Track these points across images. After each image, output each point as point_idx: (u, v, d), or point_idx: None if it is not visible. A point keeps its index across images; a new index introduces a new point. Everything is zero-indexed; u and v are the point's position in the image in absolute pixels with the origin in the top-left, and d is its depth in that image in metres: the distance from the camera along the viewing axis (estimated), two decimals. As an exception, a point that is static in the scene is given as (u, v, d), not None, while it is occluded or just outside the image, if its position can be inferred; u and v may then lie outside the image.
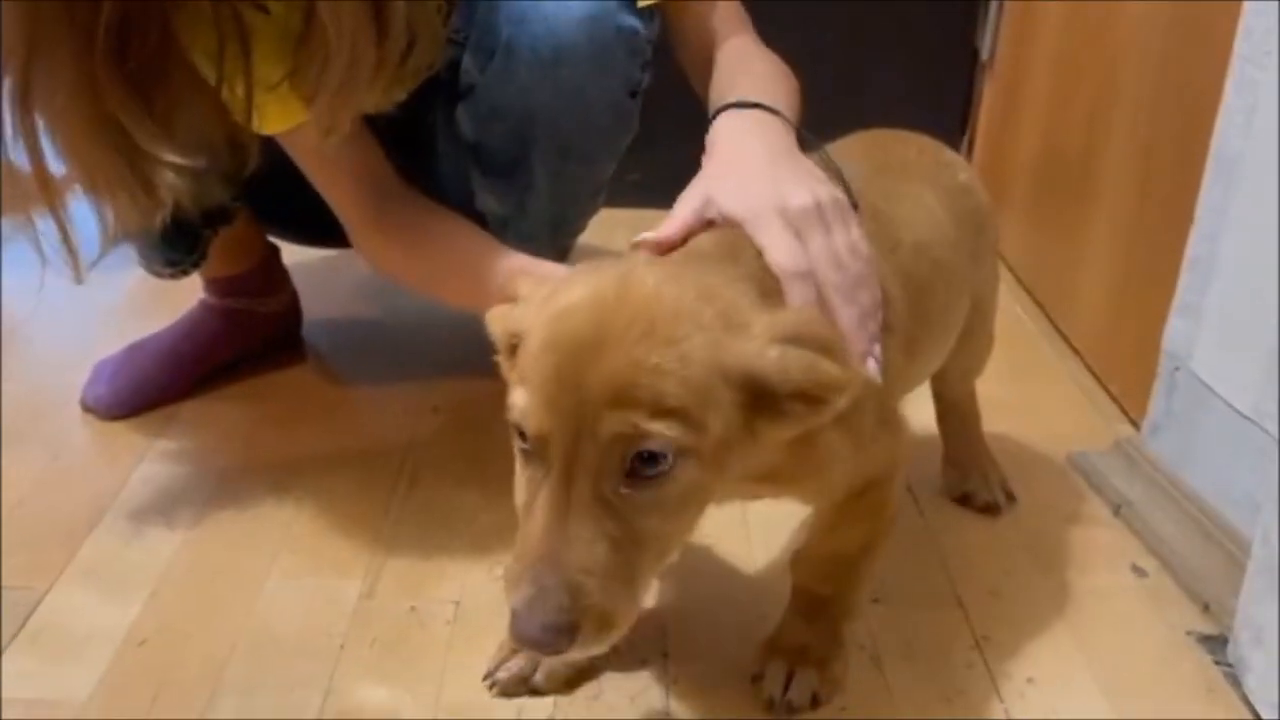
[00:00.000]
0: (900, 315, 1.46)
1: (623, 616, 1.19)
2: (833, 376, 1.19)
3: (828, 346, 1.20)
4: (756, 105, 1.58)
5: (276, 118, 1.75)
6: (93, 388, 2.23)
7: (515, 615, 1.15)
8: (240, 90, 1.68)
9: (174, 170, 1.65)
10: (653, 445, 1.14)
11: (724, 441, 1.19)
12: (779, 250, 1.36)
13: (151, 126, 1.62)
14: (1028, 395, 2.40)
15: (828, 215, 1.40)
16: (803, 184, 1.43)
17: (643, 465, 1.15)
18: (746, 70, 1.79)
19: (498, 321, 1.30)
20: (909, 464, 1.54)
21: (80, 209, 1.70)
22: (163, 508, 1.93)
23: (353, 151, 1.83)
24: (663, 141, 1.99)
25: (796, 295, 1.34)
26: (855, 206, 1.49)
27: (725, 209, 1.40)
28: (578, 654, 1.21)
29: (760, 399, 1.19)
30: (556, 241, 2.08)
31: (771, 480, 1.39)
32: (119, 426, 2.19)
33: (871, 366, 1.35)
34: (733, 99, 1.61)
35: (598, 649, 1.19)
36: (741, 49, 1.86)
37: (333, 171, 1.86)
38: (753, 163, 1.49)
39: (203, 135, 1.70)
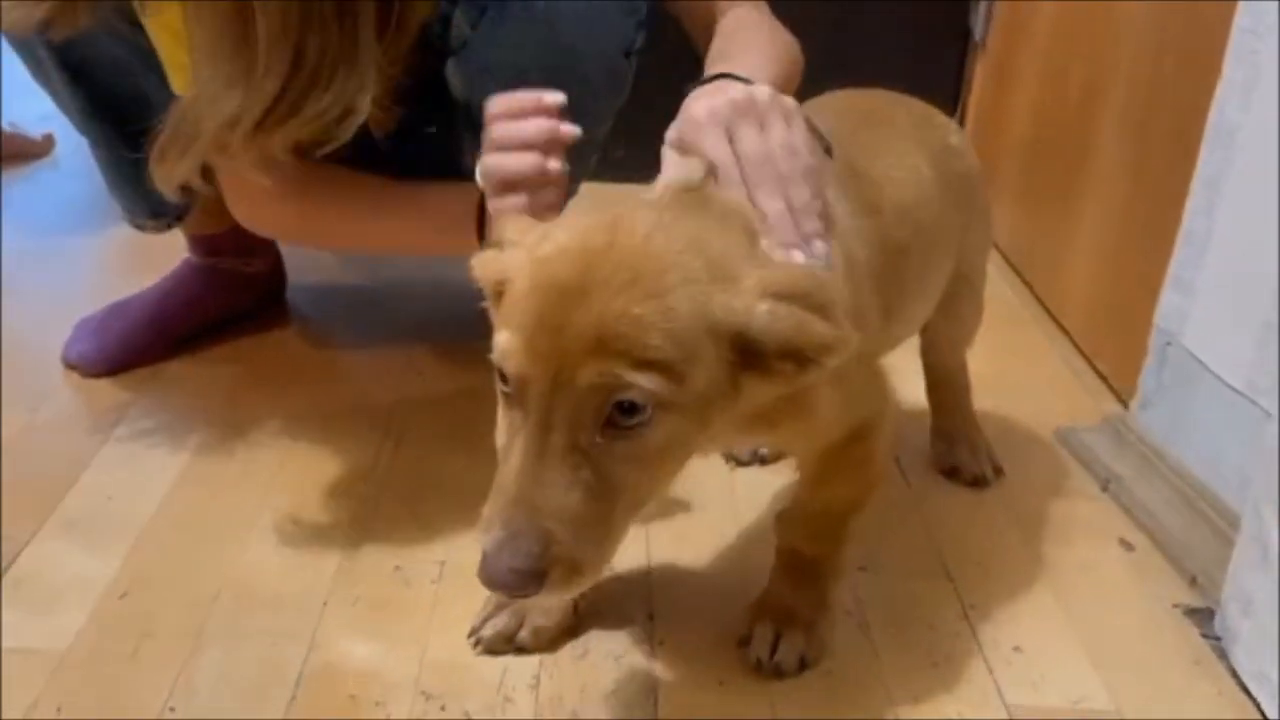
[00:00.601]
0: (877, 279, 1.45)
1: (592, 565, 1.18)
2: (823, 337, 1.17)
3: (821, 306, 1.18)
4: (722, 76, 1.56)
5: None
6: (75, 345, 2.22)
7: (485, 557, 1.14)
8: None
9: None
10: (631, 395, 1.13)
11: (706, 396, 1.17)
12: (708, 147, 1.35)
13: None
14: (1015, 373, 2.39)
15: (761, 109, 1.37)
16: (740, 87, 1.40)
17: (621, 415, 1.14)
18: (737, 47, 1.76)
19: (484, 266, 1.28)
20: (895, 423, 1.53)
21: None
22: (145, 463, 1.92)
23: None
24: (651, 117, 1.97)
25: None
26: (829, 151, 1.48)
27: (672, 138, 1.40)
28: (545, 600, 1.21)
29: (747, 355, 1.18)
30: None
31: (758, 427, 1.37)
32: (101, 384, 2.17)
33: (805, 260, 1.30)
34: (703, 78, 1.59)
35: (565, 595, 1.19)
36: (741, 22, 1.84)
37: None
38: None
39: None
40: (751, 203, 1.32)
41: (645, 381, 1.12)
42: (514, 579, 1.13)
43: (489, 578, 1.14)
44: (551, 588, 1.15)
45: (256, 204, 1.97)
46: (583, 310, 1.12)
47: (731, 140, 1.35)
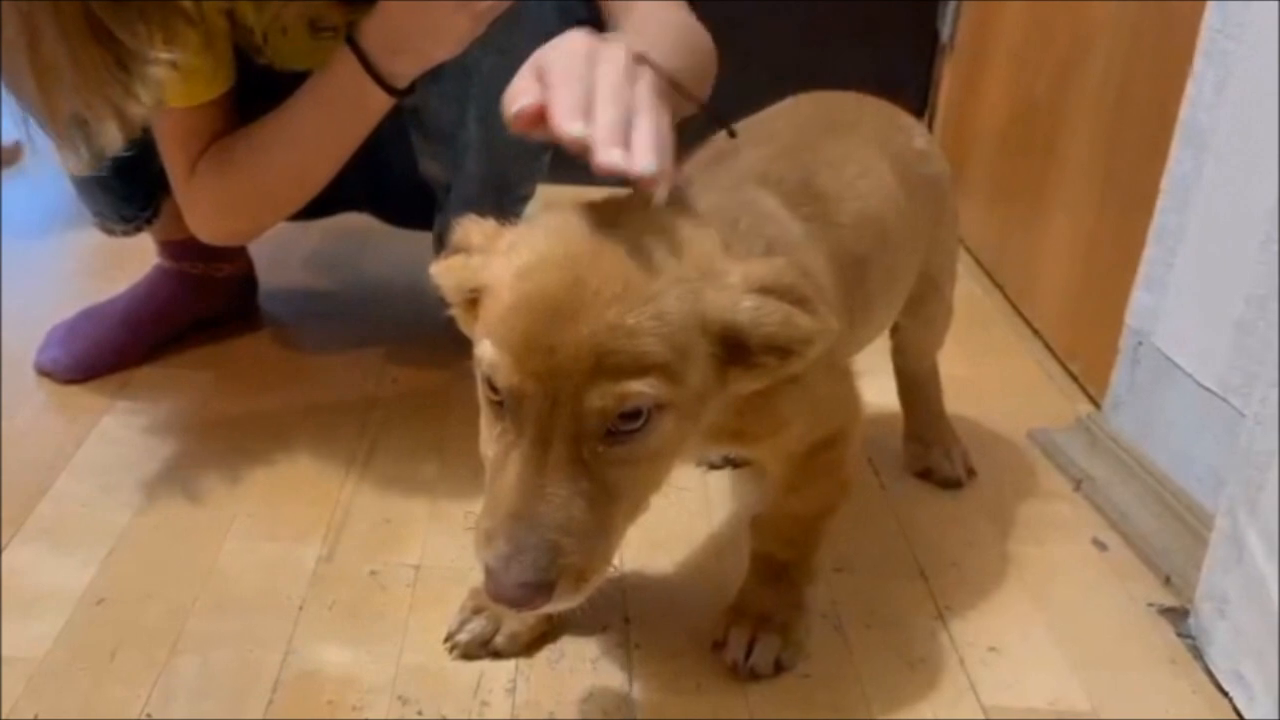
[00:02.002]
0: (837, 292, 1.45)
1: (598, 571, 1.19)
2: (805, 329, 1.18)
3: (801, 298, 1.19)
4: None
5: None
6: (47, 351, 2.20)
7: (491, 573, 1.14)
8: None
9: (161, 66, 1.67)
10: (636, 403, 1.13)
11: (699, 393, 1.18)
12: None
13: (138, 25, 1.64)
14: (988, 375, 2.39)
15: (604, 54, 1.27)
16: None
17: (622, 422, 1.15)
18: (644, 31, 1.74)
19: (449, 274, 1.27)
20: (864, 424, 1.54)
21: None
22: (119, 469, 1.91)
23: (207, 125, 1.93)
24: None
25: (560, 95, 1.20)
26: (733, 134, 1.50)
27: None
28: (551, 609, 1.20)
29: (733, 349, 1.18)
30: (502, 208, 2.07)
31: (734, 437, 1.39)
32: (74, 390, 2.16)
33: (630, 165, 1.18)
34: None
35: (573, 604, 1.19)
36: (649, 12, 1.83)
37: (178, 141, 1.95)
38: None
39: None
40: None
41: (647, 388, 1.13)
42: (522, 593, 1.14)
43: (497, 593, 1.14)
44: (560, 597, 1.16)
45: (211, 203, 1.99)
46: (575, 328, 1.12)
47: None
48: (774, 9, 3.18)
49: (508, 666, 1.53)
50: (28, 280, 2.62)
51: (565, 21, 1.88)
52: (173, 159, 1.94)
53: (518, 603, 1.15)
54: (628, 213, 1.22)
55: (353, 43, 1.77)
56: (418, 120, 1.97)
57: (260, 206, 2.00)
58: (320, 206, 2.13)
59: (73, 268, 2.71)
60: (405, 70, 1.79)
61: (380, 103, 1.82)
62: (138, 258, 2.40)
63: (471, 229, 1.28)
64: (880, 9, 3.33)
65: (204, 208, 1.98)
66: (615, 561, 1.67)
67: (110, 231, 2.25)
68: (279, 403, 2.16)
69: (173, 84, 1.80)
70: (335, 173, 1.92)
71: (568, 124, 1.16)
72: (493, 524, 1.15)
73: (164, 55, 1.65)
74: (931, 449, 2.01)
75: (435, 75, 1.82)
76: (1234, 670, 1.54)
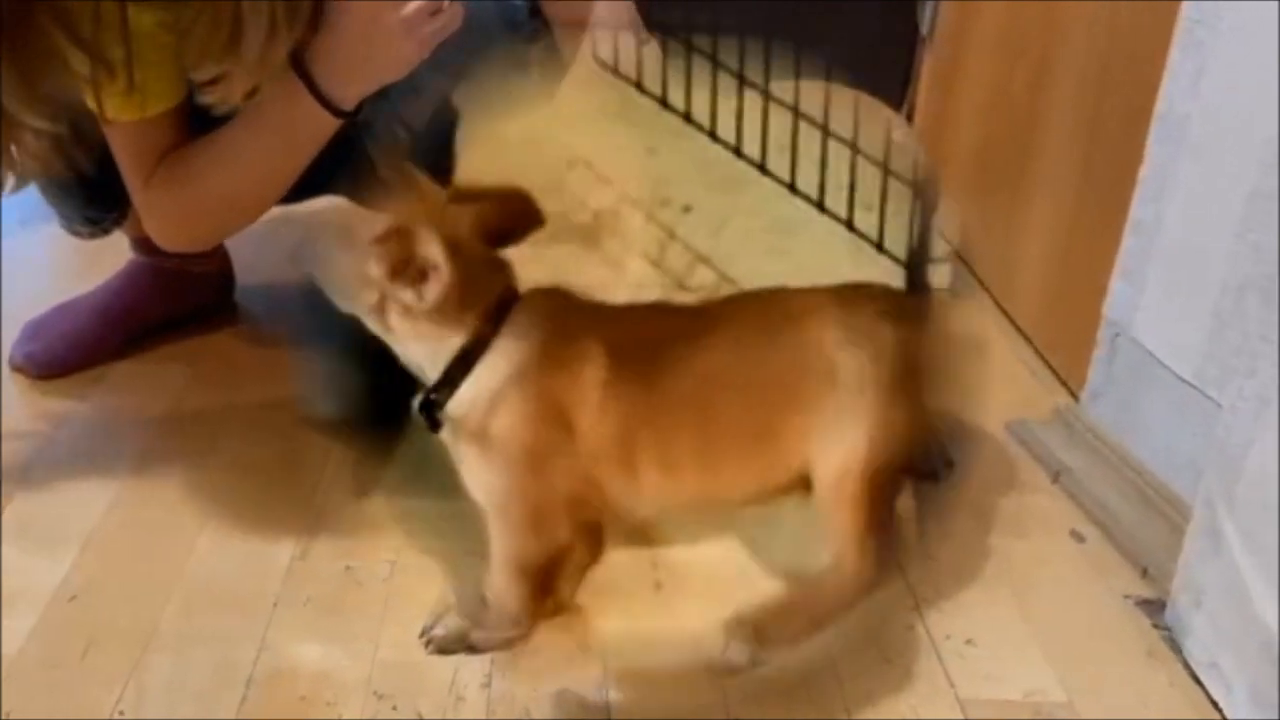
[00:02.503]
0: None
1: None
2: None
3: None
4: None
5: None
6: (21, 347, 2.19)
7: None
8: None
9: (34, 134, 1.68)
10: None
11: None
12: None
13: (16, 87, 1.63)
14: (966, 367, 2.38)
15: None
16: None
17: None
18: None
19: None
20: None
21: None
22: (93, 466, 1.91)
23: (159, 138, 1.89)
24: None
25: None
26: None
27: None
28: None
29: None
30: None
31: None
32: (49, 385, 2.15)
33: None
34: None
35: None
36: None
37: (132, 153, 1.91)
38: None
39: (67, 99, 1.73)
40: None
41: None
42: None
43: None
44: None
45: (168, 214, 1.97)
46: None
47: None
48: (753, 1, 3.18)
49: (483, 661, 1.53)
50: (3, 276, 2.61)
51: (513, 34, 1.88)
52: (128, 170, 1.92)
53: None
54: None
55: (299, 67, 1.76)
56: (370, 134, 1.97)
57: (217, 217, 1.98)
58: (300, 193, 2.12)
59: (47, 262, 2.69)
60: (351, 93, 1.78)
61: (328, 124, 1.80)
62: (113, 253, 2.38)
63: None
64: (859, 2, 3.32)
65: (161, 217, 1.96)
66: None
67: (76, 234, 2.24)
68: (255, 399, 2.15)
69: (123, 97, 1.79)
70: (291, 184, 1.90)
71: None
72: None
73: (36, 124, 1.67)
74: (909, 441, 2.00)
75: (384, 94, 1.82)
76: (1211, 662, 1.54)
